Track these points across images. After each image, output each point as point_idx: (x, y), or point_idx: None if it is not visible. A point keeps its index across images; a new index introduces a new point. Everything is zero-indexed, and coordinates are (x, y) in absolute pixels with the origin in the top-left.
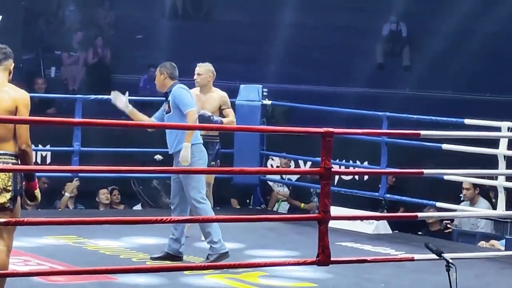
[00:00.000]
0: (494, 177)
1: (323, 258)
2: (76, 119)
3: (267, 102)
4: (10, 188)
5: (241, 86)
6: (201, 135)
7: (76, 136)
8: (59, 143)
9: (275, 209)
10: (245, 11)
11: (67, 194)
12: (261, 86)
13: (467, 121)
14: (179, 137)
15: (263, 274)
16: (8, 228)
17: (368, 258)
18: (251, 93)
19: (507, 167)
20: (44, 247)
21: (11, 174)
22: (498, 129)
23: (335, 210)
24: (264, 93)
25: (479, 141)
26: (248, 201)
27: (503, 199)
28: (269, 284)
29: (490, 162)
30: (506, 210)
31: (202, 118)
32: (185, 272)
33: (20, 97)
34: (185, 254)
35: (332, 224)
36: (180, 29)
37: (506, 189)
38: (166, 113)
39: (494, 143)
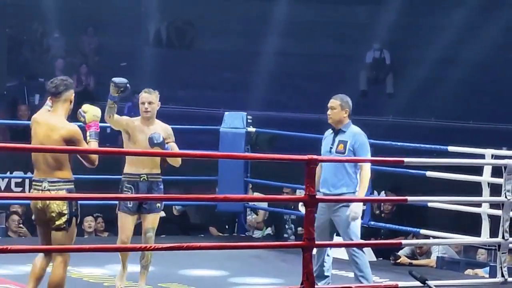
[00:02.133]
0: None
1: (308, 286)
2: (60, 147)
3: (252, 129)
4: (66, 212)
5: (226, 113)
6: (130, 173)
7: None
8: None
9: (259, 236)
10: (229, 39)
11: None
12: (245, 113)
13: (451, 148)
14: (345, 181)
15: None
16: (65, 242)
17: (353, 286)
18: (236, 121)
19: (491, 194)
20: (28, 275)
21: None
22: (481, 156)
23: None
24: (249, 120)
25: (463, 168)
26: (227, 227)
27: (487, 226)
28: None
29: (474, 189)
30: (490, 237)
31: (153, 141)
32: None
33: (67, 129)
34: (170, 281)
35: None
36: (164, 57)
37: (490, 216)
38: (336, 152)
39: (478, 170)
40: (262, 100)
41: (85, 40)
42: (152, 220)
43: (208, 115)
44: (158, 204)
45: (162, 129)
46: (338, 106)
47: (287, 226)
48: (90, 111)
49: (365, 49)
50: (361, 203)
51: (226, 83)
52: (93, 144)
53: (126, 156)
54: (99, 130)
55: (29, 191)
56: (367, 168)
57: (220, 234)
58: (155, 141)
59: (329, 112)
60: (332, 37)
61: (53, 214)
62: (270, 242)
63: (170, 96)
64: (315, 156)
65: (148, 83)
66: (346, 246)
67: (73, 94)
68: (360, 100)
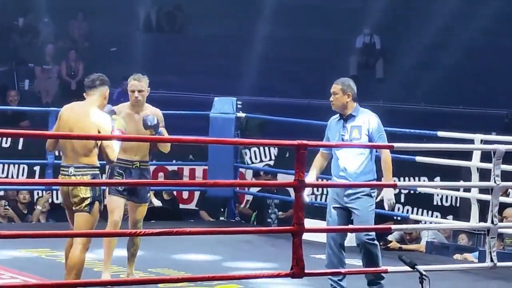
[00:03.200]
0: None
1: (297, 271)
2: (50, 132)
3: (241, 114)
4: (88, 195)
5: (215, 99)
6: (122, 159)
7: None
8: (33, 156)
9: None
10: (219, 24)
11: (38, 208)
12: (235, 99)
13: (441, 133)
14: (364, 168)
15: (237, 286)
16: (86, 225)
17: (342, 270)
18: (225, 106)
19: (480, 179)
20: (17, 261)
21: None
22: (471, 141)
23: (309, 223)
24: (238, 106)
25: (453, 153)
26: (223, 210)
27: (476, 211)
28: None
29: (464, 174)
30: (479, 222)
31: (147, 123)
32: (159, 285)
33: (98, 121)
34: (160, 266)
35: (306, 236)
36: (154, 42)
37: (479, 201)
38: (352, 138)
39: (467, 155)
40: (252, 85)
41: (75, 26)
42: (142, 211)
43: (198, 100)
44: (149, 195)
45: (152, 114)
46: (339, 91)
47: (270, 211)
48: (119, 121)
49: (355, 34)
50: (392, 189)
51: (216, 68)
52: (114, 144)
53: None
54: (120, 141)
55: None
56: (387, 151)
57: (211, 219)
58: (149, 123)
59: (331, 98)
60: (322, 22)
61: (76, 200)
62: (260, 227)
63: (160, 82)
64: (304, 141)
65: (138, 68)
66: (336, 231)
67: (108, 91)
68: None
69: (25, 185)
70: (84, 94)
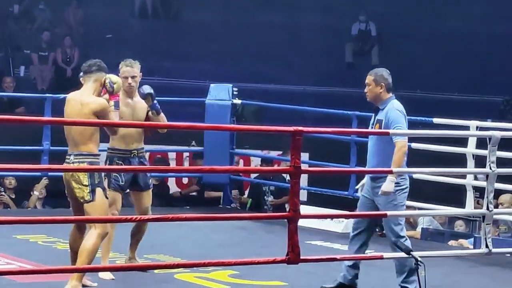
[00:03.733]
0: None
1: (293, 257)
2: (46, 118)
3: (237, 101)
4: (86, 183)
5: (211, 85)
6: (121, 149)
7: (45, 135)
8: (29, 142)
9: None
10: (215, 11)
11: (35, 193)
12: (231, 85)
13: (436, 120)
14: (381, 160)
15: (233, 272)
16: (94, 214)
17: (338, 257)
18: (221, 93)
19: (476, 166)
20: (13, 247)
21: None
22: (466, 128)
23: (304, 209)
24: (234, 93)
25: (448, 140)
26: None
27: (471, 198)
28: (239, 283)
29: (459, 161)
30: (475, 208)
31: (143, 92)
32: (155, 271)
33: (97, 103)
34: (156, 252)
35: (302, 223)
36: (150, 29)
37: (475, 187)
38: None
39: (463, 142)
40: (248, 72)
41: (70, 12)
42: (149, 198)
43: (194, 87)
44: (151, 180)
45: (142, 102)
46: (372, 82)
47: (266, 198)
48: (119, 82)
49: (351, 21)
50: (392, 181)
51: (212, 55)
52: (113, 114)
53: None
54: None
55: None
56: (399, 145)
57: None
58: (145, 91)
59: (365, 89)
60: (318, 9)
61: (76, 190)
62: (256, 213)
63: (155, 68)
64: (300, 128)
65: (134, 55)
66: (331, 217)
67: (104, 78)
68: (346, 72)
69: (19, 171)
70: (81, 79)
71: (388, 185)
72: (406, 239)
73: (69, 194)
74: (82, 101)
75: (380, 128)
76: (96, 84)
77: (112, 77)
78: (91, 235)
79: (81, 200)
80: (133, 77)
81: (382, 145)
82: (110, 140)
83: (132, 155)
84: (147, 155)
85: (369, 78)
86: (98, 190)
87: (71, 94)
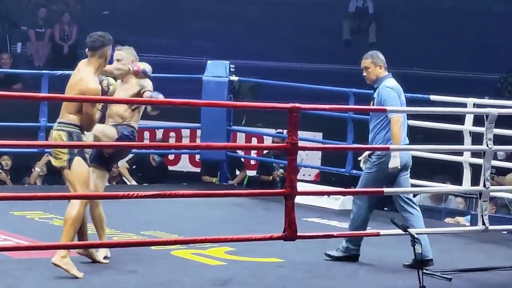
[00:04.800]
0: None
1: (290, 233)
2: (42, 94)
3: (234, 78)
4: (65, 151)
5: (208, 62)
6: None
7: (42, 112)
8: (26, 119)
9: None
10: None
11: (37, 169)
12: (228, 62)
13: (433, 97)
14: (378, 137)
15: (229, 249)
16: (73, 181)
17: (334, 234)
18: (218, 69)
19: (473, 143)
20: (10, 223)
21: (64, 139)
22: (463, 105)
23: (301, 186)
24: (231, 69)
25: (445, 117)
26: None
27: (468, 175)
28: (236, 259)
29: (456, 138)
30: (471, 186)
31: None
32: (152, 247)
33: (87, 87)
34: (153, 229)
35: (299, 200)
36: (147, 5)
37: (471, 165)
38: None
39: (460, 119)
40: (245, 49)
41: None
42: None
43: (191, 64)
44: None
45: (137, 84)
46: (371, 64)
47: (275, 173)
48: (115, 85)
49: None
50: (397, 156)
51: (209, 31)
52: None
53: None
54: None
55: None
56: (394, 120)
57: (212, 181)
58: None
59: (364, 73)
60: None
61: (57, 159)
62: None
63: (152, 45)
64: (297, 105)
65: (130, 31)
66: (327, 194)
67: (109, 51)
68: (343, 50)
69: (16, 147)
70: (86, 51)
71: (393, 161)
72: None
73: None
74: (82, 77)
75: (373, 106)
76: (100, 60)
77: (111, 80)
78: (74, 203)
79: (62, 167)
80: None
81: (375, 123)
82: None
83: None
84: (147, 133)
85: (366, 62)
86: (77, 159)
87: (81, 61)
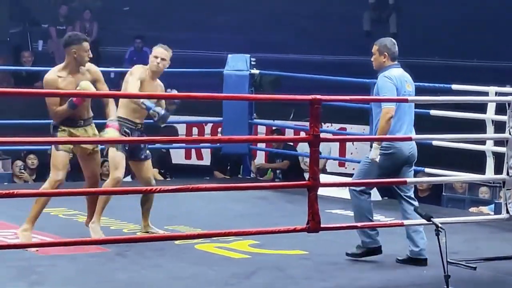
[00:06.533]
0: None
1: (313, 225)
2: (63, 91)
3: (255, 71)
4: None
5: (229, 56)
6: (130, 120)
7: None
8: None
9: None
10: None
11: None
12: (249, 55)
13: (455, 86)
14: (376, 126)
15: (253, 242)
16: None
17: (358, 225)
18: (239, 63)
19: (495, 132)
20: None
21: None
22: (485, 94)
23: (324, 178)
24: (252, 63)
25: (467, 106)
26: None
27: (491, 164)
28: (260, 252)
29: (479, 127)
30: (495, 174)
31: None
32: (176, 242)
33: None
34: (177, 223)
35: (322, 192)
36: (166, 0)
37: (494, 153)
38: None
39: (482, 108)
40: (266, 42)
41: None
42: (151, 168)
43: (212, 58)
44: (148, 151)
45: (160, 87)
46: (376, 51)
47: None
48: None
49: None
50: (377, 147)
51: (229, 25)
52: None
53: (126, 103)
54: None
55: None
56: (384, 111)
57: (225, 176)
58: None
59: (371, 58)
60: None
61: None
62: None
63: (173, 40)
64: (318, 96)
65: (151, 27)
66: (351, 185)
67: (74, 50)
68: (364, 41)
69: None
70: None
71: (372, 152)
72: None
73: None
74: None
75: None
76: (69, 58)
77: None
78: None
79: (90, 150)
80: (163, 59)
81: (375, 113)
82: (119, 109)
83: (136, 128)
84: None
85: (374, 48)
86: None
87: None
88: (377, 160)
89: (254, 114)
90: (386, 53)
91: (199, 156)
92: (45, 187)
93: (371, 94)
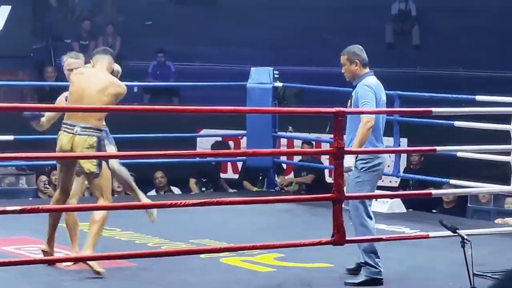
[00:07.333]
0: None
1: (338, 238)
2: (86, 106)
3: (278, 84)
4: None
5: (252, 69)
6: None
7: None
8: None
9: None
10: None
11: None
12: (272, 68)
13: (479, 97)
14: (353, 137)
15: (278, 255)
16: (103, 185)
17: (383, 237)
18: (262, 76)
19: None
20: (59, 234)
21: (95, 145)
22: (510, 104)
23: None
24: (275, 76)
25: (491, 117)
26: (261, 178)
27: None
28: (285, 265)
29: (503, 138)
30: None
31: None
32: (201, 255)
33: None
34: (202, 237)
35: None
36: (189, 14)
37: None
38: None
39: (506, 119)
40: (289, 55)
41: (108, 0)
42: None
43: (235, 71)
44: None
45: None
46: (346, 61)
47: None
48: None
49: (390, 1)
50: (353, 156)
51: (251, 38)
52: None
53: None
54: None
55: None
56: (364, 120)
57: (255, 188)
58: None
59: (342, 70)
60: None
61: (83, 161)
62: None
63: (196, 54)
64: (342, 108)
65: (173, 41)
66: (376, 197)
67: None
68: (386, 52)
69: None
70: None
71: (347, 160)
72: (372, 220)
73: (69, 162)
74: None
75: (350, 105)
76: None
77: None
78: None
79: (87, 172)
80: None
81: (353, 123)
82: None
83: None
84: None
85: (342, 58)
86: (104, 164)
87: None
88: (352, 169)
89: (290, 127)
90: (357, 61)
91: (235, 170)
92: (104, 216)
93: (395, 106)
